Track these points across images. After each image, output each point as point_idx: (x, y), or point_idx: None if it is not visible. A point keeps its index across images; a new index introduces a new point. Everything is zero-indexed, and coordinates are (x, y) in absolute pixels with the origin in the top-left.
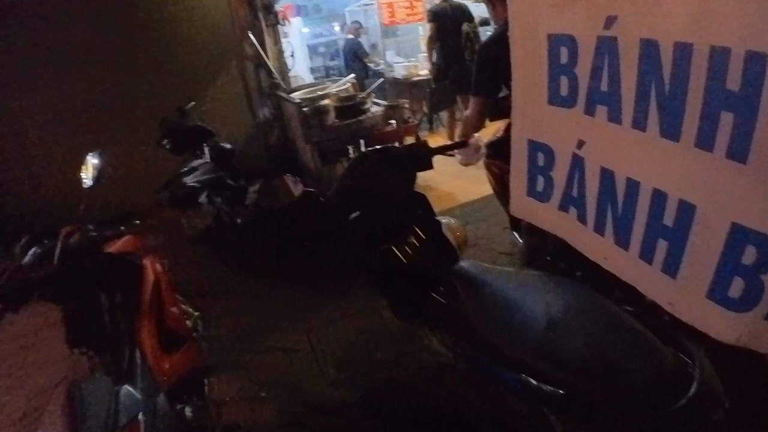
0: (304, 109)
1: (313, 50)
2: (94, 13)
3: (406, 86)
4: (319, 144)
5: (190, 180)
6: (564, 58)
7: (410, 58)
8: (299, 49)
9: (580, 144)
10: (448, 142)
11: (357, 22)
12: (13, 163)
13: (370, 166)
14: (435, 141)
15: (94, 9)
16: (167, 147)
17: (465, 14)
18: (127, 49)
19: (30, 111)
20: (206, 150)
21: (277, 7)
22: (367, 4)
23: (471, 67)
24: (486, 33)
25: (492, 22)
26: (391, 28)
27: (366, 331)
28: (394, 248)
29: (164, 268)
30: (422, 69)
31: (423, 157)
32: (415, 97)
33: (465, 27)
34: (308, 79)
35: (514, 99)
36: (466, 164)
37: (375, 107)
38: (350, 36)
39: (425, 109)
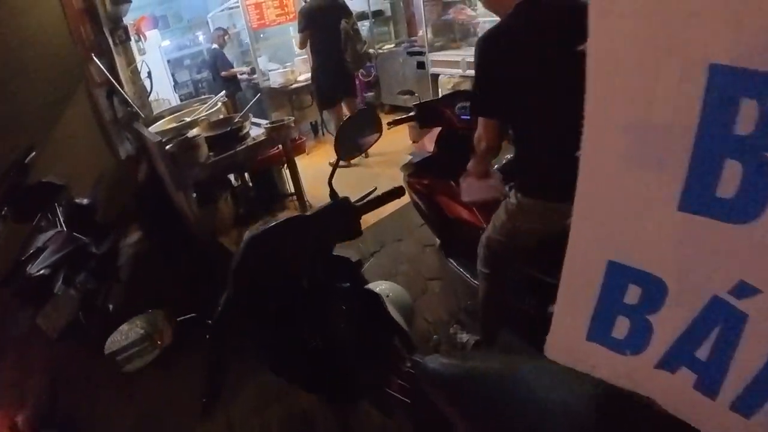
0: (168, 147)
1: (178, 64)
2: None
3: (286, 95)
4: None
5: (37, 266)
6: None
7: (285, 63)
8: (158, 66)
9: (742, 289)
10: (373, 195)
11: (220, 28)
12: None
13: (268, 253)
14: (320, 150)
15: None
16: (5, 216)
17: (341, 10)
18: None
19: None
20: (58, 211)
21: (128, 21)
22: (231, 7)
23: (350, 67)
24: (364, 28)
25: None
26: (261, 31)
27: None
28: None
29: None
30: (300, 73)
31: (347, 220)
32: (296, 106)
33: (343, 25)
34: (173, 100)
35: (581, 183)
36: (472, 202)
37: (255, 129)
38: (214, 45)
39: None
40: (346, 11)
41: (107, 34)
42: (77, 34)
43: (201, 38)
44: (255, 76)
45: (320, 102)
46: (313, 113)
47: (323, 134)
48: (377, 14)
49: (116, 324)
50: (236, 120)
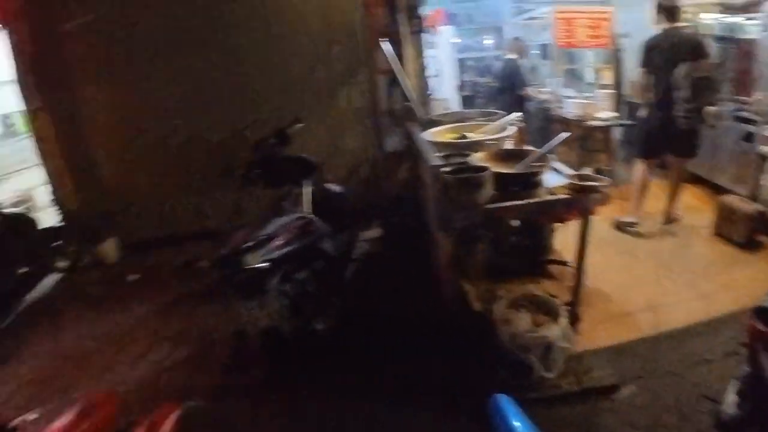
0: (444, 172)
1: (461, 65)
2: None
3: (576, 130)
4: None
5: (256, 257)
6: None
7: (584, 94)
8: (447, 62)
9: None
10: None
11: (519, 38)
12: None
13: None
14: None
15: None
16: (257, 179)
17: (692, 49)
18: (227, 35)
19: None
20: (304, 188)
21: (425, 12)
22: (531, 18)
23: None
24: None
25: None
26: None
27: None
28: None
29: None
30: (602, 110)
31: None
32: (586, 146)
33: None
34: (453, 103)
35: None
36: None
37: (553, 176)
38: (511, 56)
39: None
40: (696, 51)
41: (401, 21)
42: (371, 15)
43: (488, 42)
44: (547, 99)
45: (640, 150)
46: (602, 160)
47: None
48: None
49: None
50: (536, 162)
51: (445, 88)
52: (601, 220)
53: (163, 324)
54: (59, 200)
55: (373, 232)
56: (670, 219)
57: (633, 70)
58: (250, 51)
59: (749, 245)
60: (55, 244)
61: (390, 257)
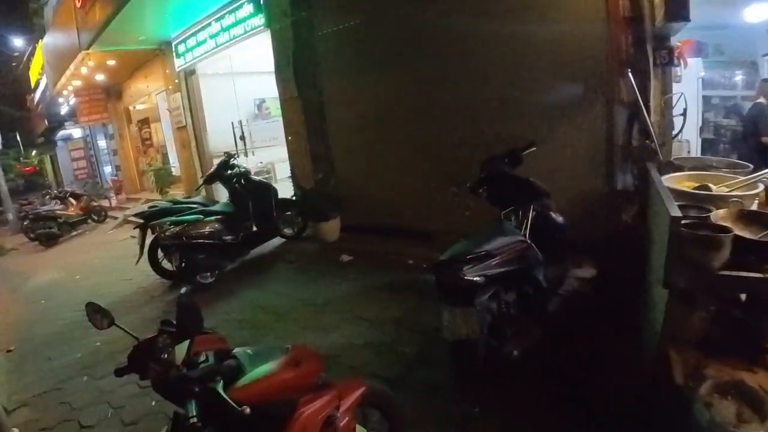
0: (684, 226)
1: (706, 102)
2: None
3: None
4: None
5: (475, 270)
6: None
7: None
8: (692, 100)
9: None
10: None
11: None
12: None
13: None
14: None
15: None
16: (483, 194)
17: None
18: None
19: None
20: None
21: (674, 42)
22: None
23: None
24: None
25: None
26: None
27: None
28: None
29: None
30: None
31: None
32: None
33: None
34: (694, 144)
35: None
36: None
37: None
38: (760, 99)
39: None
40: None
41: (649, 51)
42: (615, 43)
43: (738, 78)
44: None
45: None
46: None
47: None
48: None
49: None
50: None
51: (687, 126)
52: None
53: (363, 306)
54: (297, 177)
55: (586, 272)
56: None
57: None
58: (492, 68)
59: None
60: (287, 213)
61: (597, 301)
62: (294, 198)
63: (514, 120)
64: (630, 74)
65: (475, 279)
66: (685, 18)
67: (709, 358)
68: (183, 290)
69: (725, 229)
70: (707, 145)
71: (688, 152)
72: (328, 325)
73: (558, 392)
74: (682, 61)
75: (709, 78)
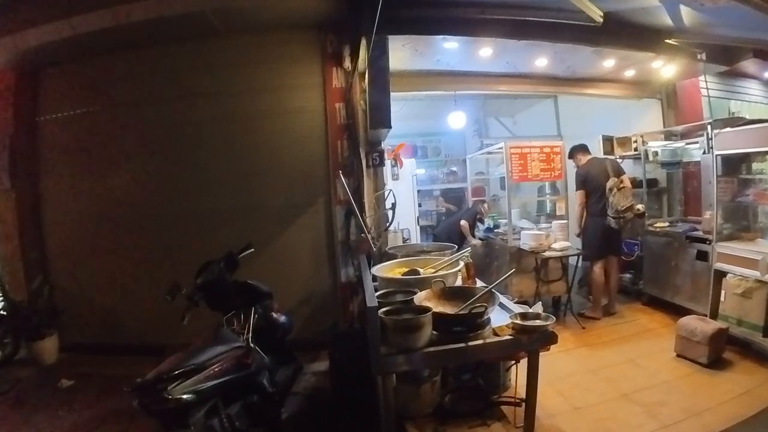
0: (382, 313)
1: (426, 194)
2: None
3: (533, 260)
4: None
5: (182, 388)
6: None
7: (539, 225)
8: (408, 195)
9: None
10: None
11: (482, 199)
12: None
13: None
14: (560, 336)
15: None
16: (201, 301)
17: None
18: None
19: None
20: (252, 318)
21: (387, 146)
22: (491, 153)
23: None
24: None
25: None
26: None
27: None
28: None
29: None
30: (556, 240)
31: None
32: (543, 277)
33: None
34: (414, 232)
35: None
36: None
37: (500, 312)
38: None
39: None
40: (616, 170)
41: (362, 154)
42: (333, 148)
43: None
44: (502, 231)
45: (592, 253)
46: (560, 288)
47: (565, 315)
48: (651, 184)
49: None
50: (477, 304)
51: (406, 217)
52: (562, 352)
53: None
54: (6, 287)
55: (322, 366)
56: (611, 312)
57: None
58: (224, 174)
59: (713, 364)
60: None
61: (336, 393)
62: (3, 313)
63: (247, 225)
64: (341, 175)
65: (183, 397)
66: (387, 125)
67: (446, 423)
68: None
69: (425, 310)
70: (428, 234)
71: (406, 240)
72: None
73: None
74: (398, 161)
75: (430, 175)
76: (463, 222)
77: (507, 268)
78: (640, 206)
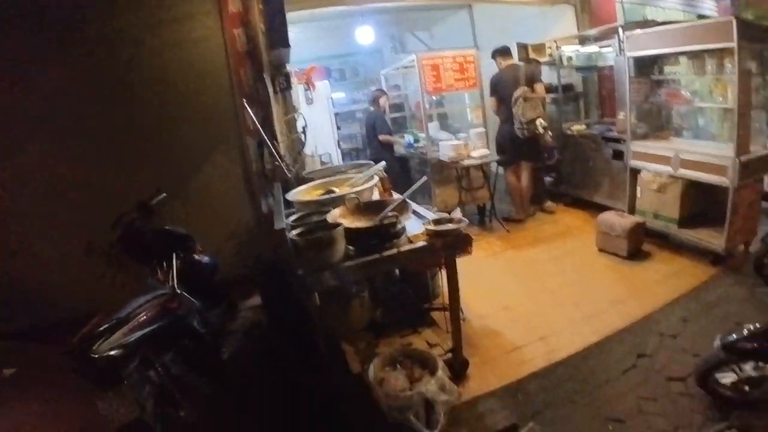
0: (295, 235)
1: (349, 117)
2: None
3: (454, 171)
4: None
5: (108, 344)
6: None
7: (459, 135)
8: (325, 118)
9: None
10: None
11: (380, 89)
12: None
13: None
14: (483, 242)
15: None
16: (124, 254)
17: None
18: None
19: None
20: (175, 263)
21: (296, 69)
22: (407, 66)
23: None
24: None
25: None
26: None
27: None
28: None
29: None
30: (475, 148)
31: None
32: (465, 186)
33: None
34: (335, 155)
35: None
36: None
37: (414, 219)
38: (372, 107)
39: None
40: (529, 77)
41: (267, 80)
42: (237, 77)
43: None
44: (421, 144)
45: (503, 161)
46: (483, 196)
47: (490, 221)
48: (567, 89)
49: None
50: (389, 214)
51: (327, 141)
52: (489, 256)
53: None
54: None
55: (256, 300)
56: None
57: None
58: (136, 117)
59: (633, 257)
60: None
61: (272, 325)
62: None
63: (161, 169)
64: (246, 104)
65: (110, 354)
66: (285, 44)
67: (380, 336)
68: None
69: (336, 226)
70: (350, 156)
71: (325, 164)
72: None
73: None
74: (310, 85)
75: (351, 97)
76: (381, 136)
77: (429, 181)
78: (540, 121)
